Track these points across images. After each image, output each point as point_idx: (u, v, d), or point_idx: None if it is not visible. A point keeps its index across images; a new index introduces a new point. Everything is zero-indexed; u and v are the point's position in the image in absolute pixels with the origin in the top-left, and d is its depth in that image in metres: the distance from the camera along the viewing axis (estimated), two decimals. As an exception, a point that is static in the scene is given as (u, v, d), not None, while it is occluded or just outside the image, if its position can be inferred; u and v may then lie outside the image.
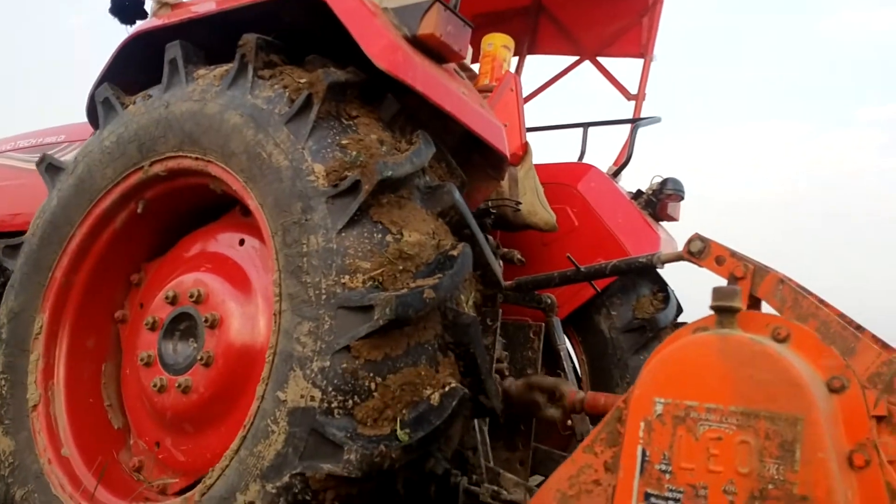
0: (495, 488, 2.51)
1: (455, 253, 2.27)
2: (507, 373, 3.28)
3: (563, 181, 3.93)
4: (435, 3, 2.36)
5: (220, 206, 2.75)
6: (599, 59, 4.85)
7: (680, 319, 3.87)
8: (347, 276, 2.11)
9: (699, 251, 2.52)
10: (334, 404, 2.04)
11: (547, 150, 5.11)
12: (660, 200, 3.85)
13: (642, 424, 1.26)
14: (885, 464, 1.15)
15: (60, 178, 2.95)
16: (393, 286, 2.11)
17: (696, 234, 2.58)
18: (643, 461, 1.24)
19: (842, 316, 2.64)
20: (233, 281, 2.55)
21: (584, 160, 4.32)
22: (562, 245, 3.76)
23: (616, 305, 3.68)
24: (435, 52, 2.42)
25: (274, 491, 2.04)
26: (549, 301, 3.48)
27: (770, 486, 1.12)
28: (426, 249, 2.19)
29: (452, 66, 2.64)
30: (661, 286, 3.70)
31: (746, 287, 2.44)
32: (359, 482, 2.02)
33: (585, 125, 4.41)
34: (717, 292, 1.27)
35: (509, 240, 3.67)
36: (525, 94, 4.98)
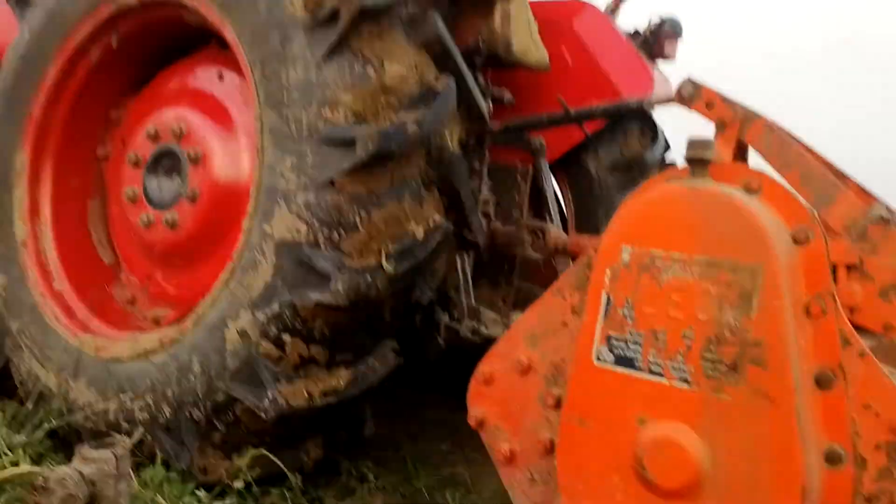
0: (475, 324, 2.63)
1: (439, 87, 2.22)
2: (492, 215, 3.31)
3: (558, 18, 3.75)
4: None
5: (197, 41, 2.64)
6: None
7: (670, 161, 3.86)
8: (329, 110, 2.09)
9: (690, 95, 2.47)
10: (320, 237, 2.10)
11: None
12: (657, 40, 3.71)
13: (608, 271, 1.29)
14: (840, 312, 1.20)
15: (30, 12, 2.82)
16: (375, 120, 2.09)
17: (689, 77, 2.51)
18: (607, 306, 1.29)
19: (827, 165, 2.63)
20: (214, 117, 2.51)
21: None
22: (555, 85, 3.66)
23: (604, 144, 3.65)
24: None
25: (264, 318, 2.15)
26: (538, 144, 3.44)
27: (726, 332, 1.17)
28: (409, 83, 2.14)
29: None
30: (650, 125, 3.65)
31: (734, 132, 2.41)
32: (346, 310, 2.11)
33: None
34: (692, 143, 1.25)
35: (501, 78, 3.56)
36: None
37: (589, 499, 1.28)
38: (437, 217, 2.24)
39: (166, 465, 2.31)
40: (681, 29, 3.73)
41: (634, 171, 3.64)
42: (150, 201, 2.60)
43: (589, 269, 1.35)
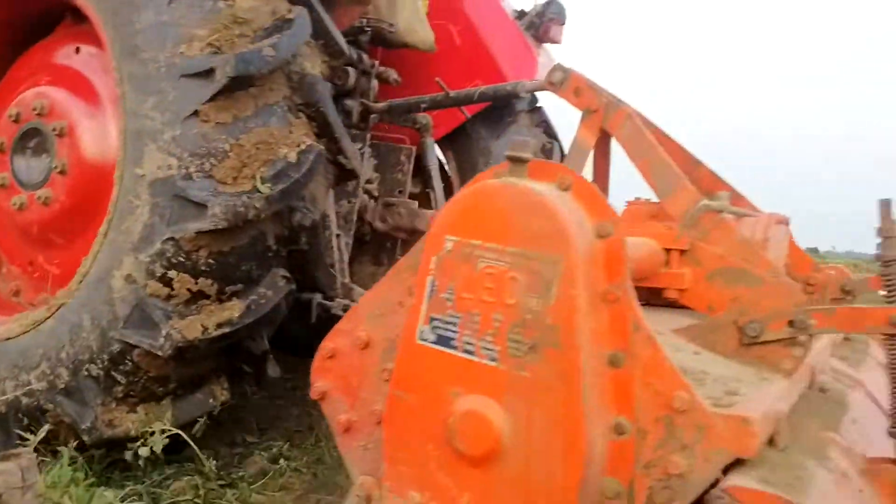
0: (347, 302, 2.71)
1: (291, 16, 2.29)
2: (376, 193, 3.40)
3: None
4: None
5: (51, 23, 2.59)
6: None
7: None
8: (184, 46, 2.14)
9: (559, 81, 2.60)
10: (192, 168, 2.15)
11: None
12: (542, 23, 3.84)
13: (434, 259, 1.39)
14: (632, 300, 1.34)
15: None
16: (231, 50, 2.15)
17: (559, 64, 2.63)
18: (432, 289, 1.39)
19: (684, 155, 2.82)
20: (75, 89, 2.49)
21: None
22: (443, 63, 3.76)
23: (489, 119, 3.78)
24: None
25: (148, 259, 2.18)
26: (423, 122, 3.54)
27: (528, 316, 1.29)
28: (261, 14, 2.22)
29: None
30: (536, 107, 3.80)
31: (598, 120, 2.56)
32: (228, 235, 2.17)
33: None
34: (513, 144, 1.36)
35: (390, 57, 3.62)
36: None
37: (408, 465, 1.39)
38: (308, 140, 2.32)
39: (73, 462, 2.31)
40: (565, 14, 3.88)
41: (506, 116, 3.80)
42: (20, 183, 2.55)
43: (422, 255, 1.45)
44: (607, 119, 2.55)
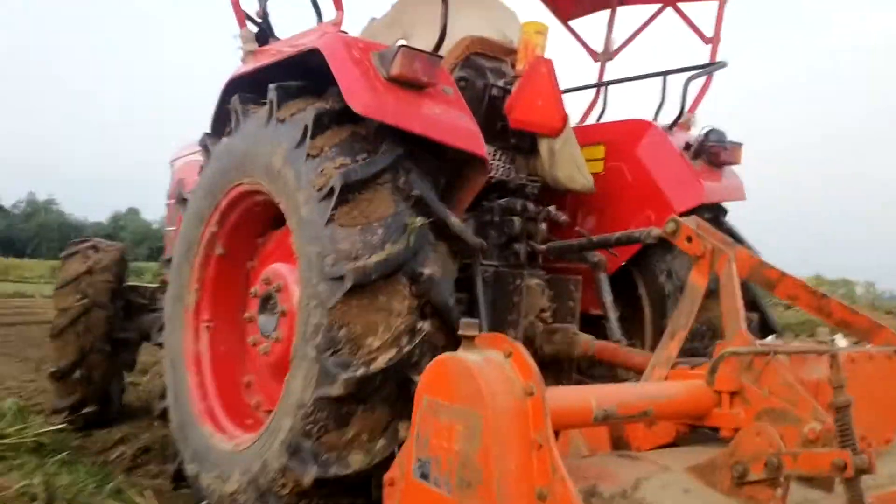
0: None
1: (412, 227, 2.83)
2: (549, 321, 3.88)
3: (621, 140, 4.32)
4: (400, 48, 2.93)
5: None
6: (679, 4, 4.94)
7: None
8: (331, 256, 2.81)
9: (672, 232, 2.90)
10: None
11: (633, 99, 5.32)
12: (706, 151, 4.06)
13: (419, 412, 1.89)
14: (552, 447, 1.68)
15: (193, 191, 4.00)
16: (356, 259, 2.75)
17: (673, 216, 2.93)
18: (417, 436, 1.88)
19: (805, 290, 2.85)
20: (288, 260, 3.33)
21: (664, 108, 4.54)
22: (618, 199, 4.21)
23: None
24: (410, 84, 3.00)
25: None
26: (595, 260, 3.98)
27: (465, 458, 1.71)
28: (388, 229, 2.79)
29: (439, 86, 3.17)
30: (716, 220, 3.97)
31: (707, 264, 2.79)
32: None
33: (664, 73, 4.58)
34: (462, 324, 1.83)
35: (574, 198, 4.22)
36: (616, 46, 5.28)
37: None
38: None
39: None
40: (725, 140, 4.05)
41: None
42: (264, 335, 3.54)
43: (425, 408, 1.95)
44: (713, 264, 2.77)
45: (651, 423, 2.46)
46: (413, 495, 1.88)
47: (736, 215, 4.28)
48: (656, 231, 3.13)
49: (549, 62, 3.91)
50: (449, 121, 3.07)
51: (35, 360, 8.74)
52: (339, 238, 2.85)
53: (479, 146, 3.15)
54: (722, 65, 4.42)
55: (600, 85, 5.23)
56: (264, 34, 3.92)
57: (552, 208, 4.05)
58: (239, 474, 3.06)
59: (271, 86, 3.21)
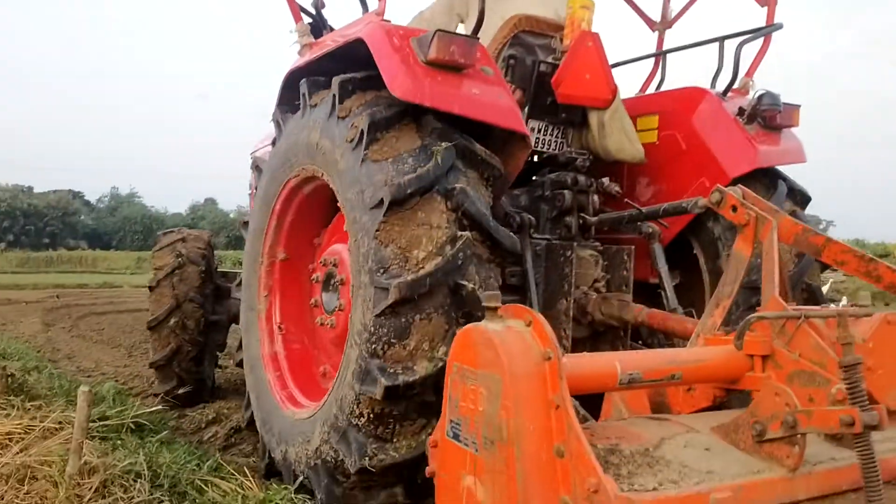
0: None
1: (457, 242, 2.93)
2: (603, 290, 3.97)
3: (675, 109, 4.33)
4: (436, 33, 3.06)
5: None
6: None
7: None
8: (379, 263, 2.94)
9: (717, 202, 2.95)
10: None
11: (693, 67, 5.24)
12: (760, 115, 4.00)
13: (449, 379, 2.04)
14: (569, 407, 1.79)
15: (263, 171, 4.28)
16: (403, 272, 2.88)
17: (718, 186, 2.96)
18: (450, 399, 2.03)
19: (854, 255, 2.84)
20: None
21: (722, 73, 4.48)
22: (673, 166, 4.23)
23: None
24: (449, 66, 3.12)
25: None
26: (650, 230, 4.03)
27: (489, 419, 1.85)
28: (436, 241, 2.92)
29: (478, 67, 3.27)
30: (773, 181, 3.93)
31: (751, 232, 2.82)
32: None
33: (720, 39, 4.51)
34: (485, 296, 1.96)
35: (631, 169, 4.28)
36: (673, 14, 5.24)
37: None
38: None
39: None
40: (779, 104, 3.96)
41: None
42: (324, 308, 3.78)
43: (458, 374, 2.10)
44: (758, 231, 2.79)
45: (689, 389, 2.53)
46: (448, 454, 2.03)
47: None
48: (703, 201, 3.15)
49: (595, 36, 3.94)
50: (487, 100, 3.17)
51: (127, 346, 9.38)
52: (373, 172, 3.03)
53: (518, 122, 3.24)
54: (778, 27, 4.31)
55: (658, 55, 5.19)
56: (318, 27, 4.11)
57: (606, 180, 4.10)
58: (319, 427, 3.27)
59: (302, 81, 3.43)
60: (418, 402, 2.93)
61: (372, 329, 2.93)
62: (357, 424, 2.96)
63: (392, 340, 2.88)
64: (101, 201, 78.20)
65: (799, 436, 1.84)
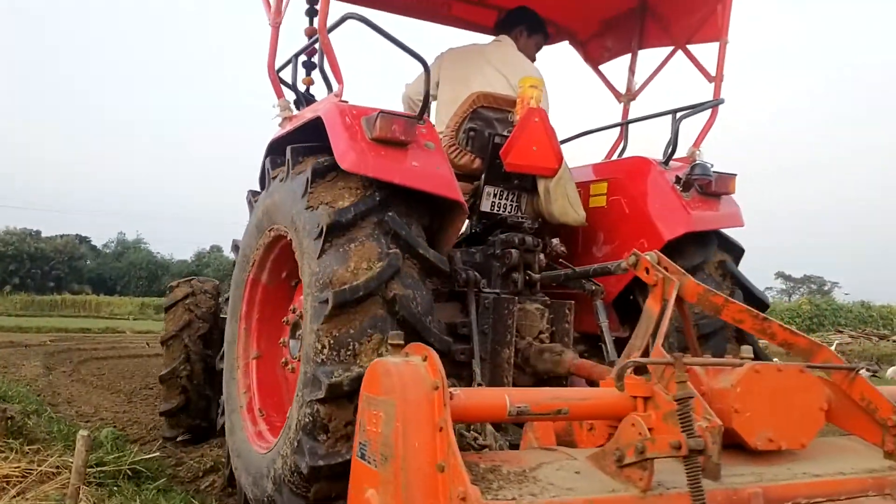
0: (476, 434, 3.58)
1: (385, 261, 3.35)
2: (546, 340, 4.30)
3: (621, 176, 4.75)
4: (380, 113, 3.49)
5: None
6: (688, 46, 5.32)
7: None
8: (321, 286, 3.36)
9: (633, 264, 3.31)
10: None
11: (654, 137, 5.66)
12: (695, 183, 4.39)
13: (360, 406, 2.37)
14: (450, 430, 2.12)
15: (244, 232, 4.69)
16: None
17: (634, 250, 3.33)
18: (360, 425, 2.36)
19: (750, 314, 3.17)
20: None
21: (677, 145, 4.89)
22: (617, 228, 4.63)
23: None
24: (392, 142, 3.54)
25: None
26: (592, 288, 4.38)
27: (385, 438, 2.18)
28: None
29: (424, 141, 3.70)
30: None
31: (660, 292, 3.17)
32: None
33: (673, 112, 4.92)
34: (390, 335, 2.31)
35: (584, 231, 4.68)
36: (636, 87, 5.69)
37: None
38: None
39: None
40: (709, 174, 4.35)
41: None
42: (291, 353, 4.14)
43: (373, 403, 2.44)
44: (665, 291, 3.14)
45: (590, 428, 2.84)
46: (357, 472, 2.36)
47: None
48: (624, 263, 3.51)
49: (541, 112, 4.38)
50: (426, 171, 3.58)
51: (127, 392, 9.61)
52: (318, 211, 3.46)
53: (453, 190, 3.64)
54: (719, 101, 4.74)
55: (620, 124, 5.63)
56: (299, 101, 4.58)
57: (555, 241, 4.48)
58: (279, 451, 3.57)
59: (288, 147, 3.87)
60: None
61: (315, 340, 3.27)
62: (308, 429, 3.25)
63: (334, 345, 3.22)
64: (107, 246, 79.18)
65: (648, 461, 2.15)
